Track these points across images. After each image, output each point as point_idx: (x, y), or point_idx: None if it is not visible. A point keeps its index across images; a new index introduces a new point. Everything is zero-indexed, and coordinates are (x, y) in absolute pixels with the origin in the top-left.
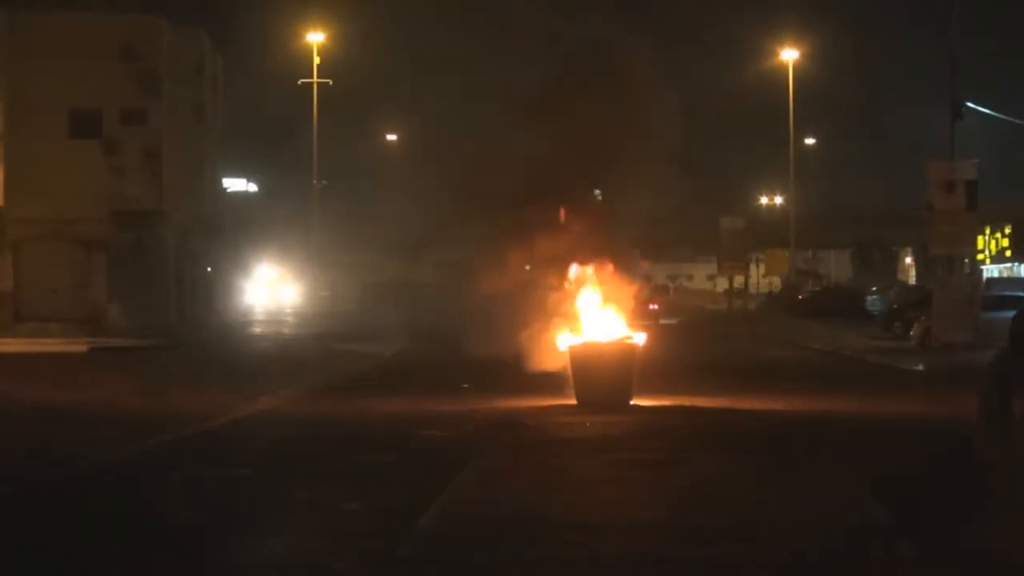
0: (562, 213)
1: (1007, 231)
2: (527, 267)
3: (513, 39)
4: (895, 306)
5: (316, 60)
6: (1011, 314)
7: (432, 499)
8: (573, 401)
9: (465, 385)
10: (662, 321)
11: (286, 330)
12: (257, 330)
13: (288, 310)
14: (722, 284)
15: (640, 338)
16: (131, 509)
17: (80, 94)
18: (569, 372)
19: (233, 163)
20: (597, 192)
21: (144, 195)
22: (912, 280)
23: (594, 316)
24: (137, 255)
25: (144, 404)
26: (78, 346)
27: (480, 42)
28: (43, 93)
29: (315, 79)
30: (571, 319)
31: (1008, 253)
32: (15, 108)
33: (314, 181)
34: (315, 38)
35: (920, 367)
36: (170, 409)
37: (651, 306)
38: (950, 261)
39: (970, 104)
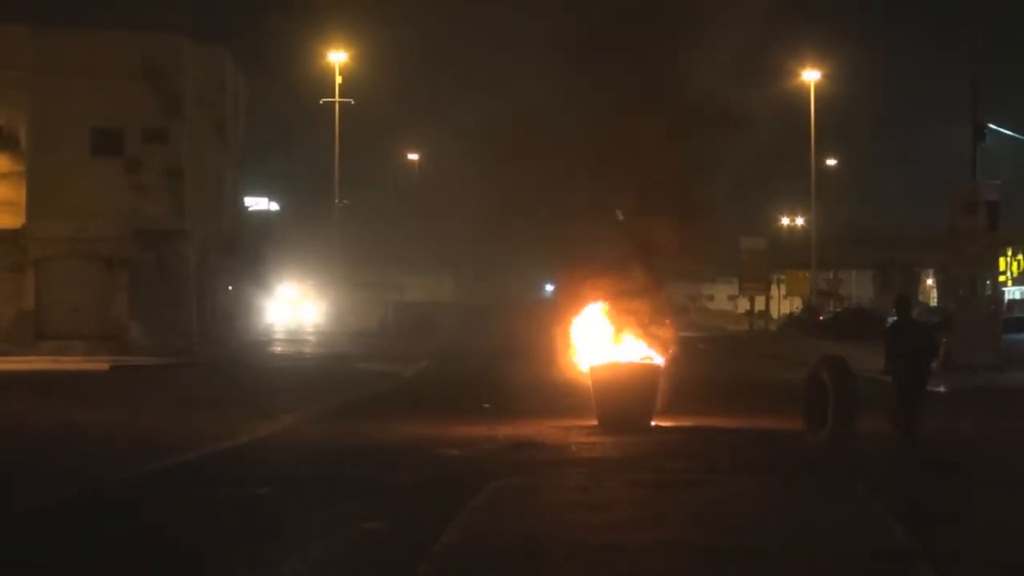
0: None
1: None
2: (550, 286)
3: (537, 59)
4: None
5: (338, 79)
6: None
7: (452, 518)
8: (594, 422)
9: (486, 405)
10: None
11: (307, 349)
12: (278, 349)
13: (309, 329)
14: (743, 305)
15: (661, 359)
16: (149, 528)
17: (102, 112)
18: (590, 393)
19: (255, 182)
20: (619, 212)
21: (166, 213)
22: (933, 301)
23: (617, 337)
24: (158, 273)
25: (165, 422)
26: (99, 364)
27: (500, 63)
28: (66, 111)
29: (337, 98)
30: (594, 339)
31: None
32: (38, 126)
33: (336, 200)
34: (337, 57)
35: (942, 388)
36: (190, 427)
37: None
38: (972, 282)
39: (992, 126)
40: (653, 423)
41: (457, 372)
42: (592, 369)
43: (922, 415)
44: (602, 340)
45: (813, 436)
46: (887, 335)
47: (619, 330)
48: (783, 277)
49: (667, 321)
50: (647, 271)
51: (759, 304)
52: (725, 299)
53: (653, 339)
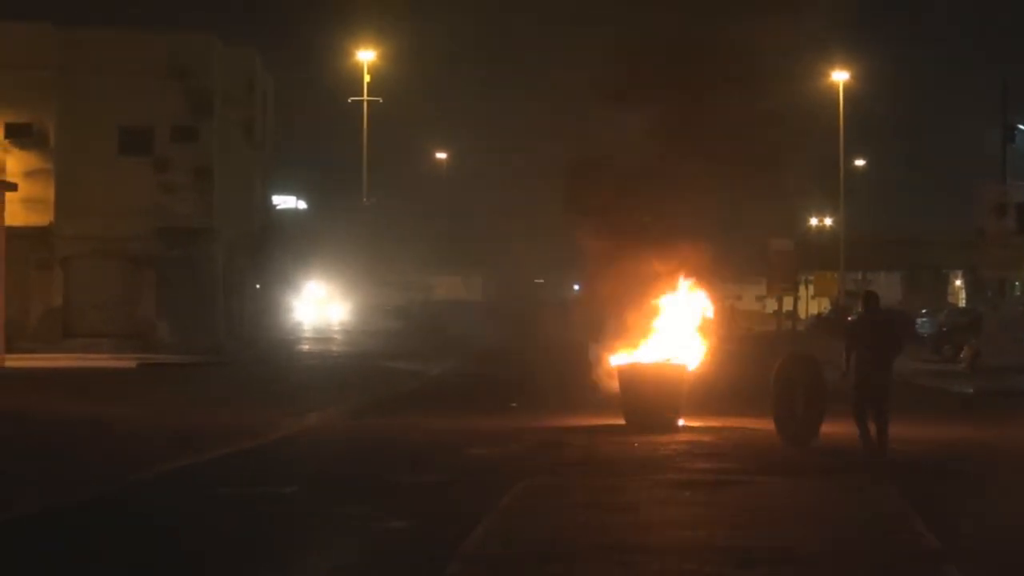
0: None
1: None
2: (575, 286)
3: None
4: (945, 329)
5: (366, 78)
6: None
7: (480, 518)
8: (622, 421)
9: (513, 404)
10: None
11: (334, 347)
12: (305, 347)
13: (336, 327)
14: (771, 305)
15: (691, 359)
16: (175, 525)
17: (131, 111)
18: (618, 392)
19: (283, 180)
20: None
21: (193, 212)
22: (962, 303)
23: (648, 335)
24: (186, 272)
25: (191, 420)
26: (126, 362)
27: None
28: (94, 110)
29: (365, 97)
30: (621, 338)
31: None
32: (66, 124)
33: (364, 199)
34: (366, 56)
35: (970, 390)
36: (217, 425)
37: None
38: (1000, 284)
39: (1022, 127)
40: (681, 423)
41: (484, 371)
42: (619, 369)
43: (888, 416)
44: (629, 339)
45: (784, 434)
46: (846, 330)
47: (647, 329)
48: (811, 278)
49: (710, 320)
50: (677, 271)
51: (787, 305)
52: (753, 299)
53: (682, 339)
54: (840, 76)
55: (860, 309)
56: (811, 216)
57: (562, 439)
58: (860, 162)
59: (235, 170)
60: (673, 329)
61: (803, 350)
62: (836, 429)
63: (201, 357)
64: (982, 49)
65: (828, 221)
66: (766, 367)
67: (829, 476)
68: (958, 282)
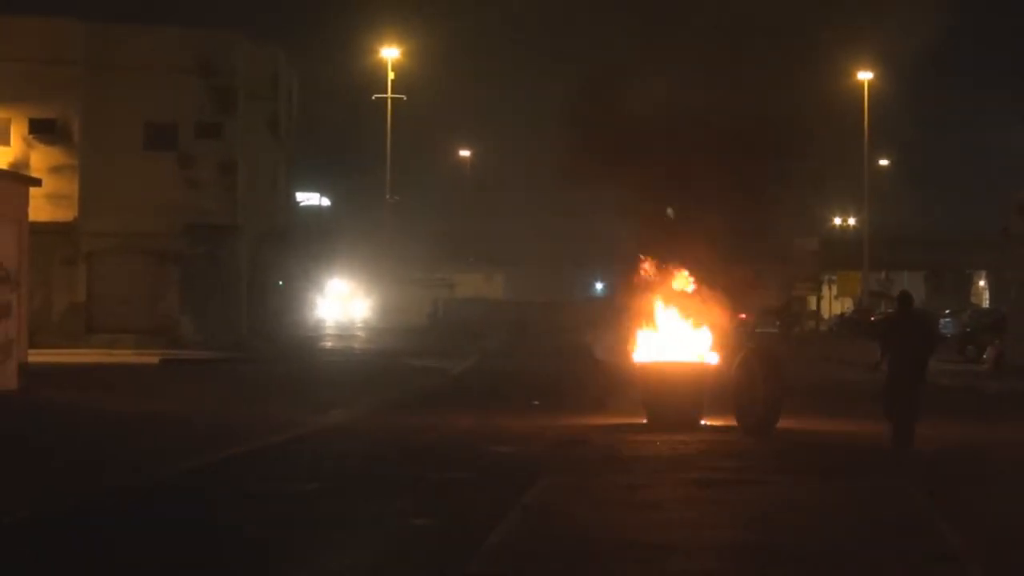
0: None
1: None
2: (600, 285)
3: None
4: (968, 329)
5: (391, 75)
6: None
7: (501, 515)
8: (643, 420)
9: (535, 402)
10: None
11: (357, 344)
12: (328, 344)
13: (359, 324)
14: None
15: (714, 358)
16: (197, 521)
17: (156, 107)
18: (640, 390)
19: (306, 177)
20: (670, 210)
21: (218, 208)
22: (985, 303)
23: (671, 334)
24: (210, 268)
25: (215, 416)
26: (150, 358)
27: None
28: (119, 106)
29: (389, 94)
30: (643, 337)
31: None
32: (91, 120)
33: (387, 196)
34: (390, 54)
35: (994, 390)
36: (240, 422)
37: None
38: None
39: None
40: (703, 422)
41: (506, 369)
42: (641, 367)
43: (918, 415)
44: (651, 338)
45: (744, 424)
46: (882, 330)
47: (669, 328)
48: (835, 277)
49: (739, 318)
50: (701, 270)
51: (810, 304)
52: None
53: (706, 338)
54: (865, 75)
55: (886, 309)
56: (834, 215)
57: (584, 437)
58: (884, 162)
59: (259, 166)
60: (695, 327)
61: (764, 345)
62: (857, 428)
63: (224, 353)
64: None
65: (851, 220)
66: (788, 367)
67: (852, 476)
68: (981, 283)
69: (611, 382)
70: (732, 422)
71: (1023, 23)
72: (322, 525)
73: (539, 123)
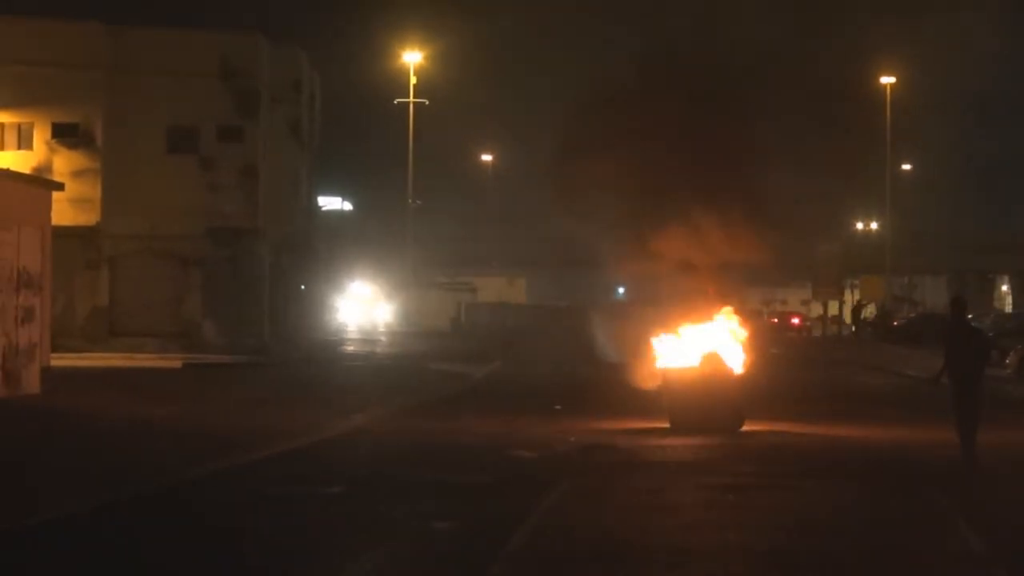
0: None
1: None
2: (622, 289)
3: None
4: (991, 334)
5: (413, 80)
6: None
7: (523, 519)
8: (666, 424)
9: (557, 407)
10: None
11: (378, 349)
12: (350, 348)
13: (382, 329)
14: (816, 309)
15: (737, 363)
16: (221, 525)
17: (178, 111)
18: (663, 395)
19: (329, 181)
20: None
21: (240, 212)
22: (1008, 308)
23: (696, 339)
24: (232, 272)
25: (238, 420)
26: (172, 362)
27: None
28: (142, 109)
29: (411, 99)
30: (666, 341)
31: None
32: (114, 123)
33: (409, 200)
34: (412, 58)
35: (1017, 395)
36: (263, 425)
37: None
38: None
39: None
40: (726, 426)
41: (528, 373)
42: (664, 371)
43: (975, 425)
44: (674, 342)
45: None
46: (943, 339)
47: (691, 333)
48: (857, 282)
49: (757, 322)
50: (720, 275)
51: (832, 309)
52: (799, 303)
53: (729, 342)
54: (887, 79)
55: (909, 313)
56: (857, 219)
57: (606, 441)
58: (907, 166)
59: (281, 170)
60: (717, 331)
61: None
62: (877, 434)
63: (246, 357)
64: None
65: (874, 225)
66: (810, 372)
67: (875, 480)
68: (1004, 287)
69: (628, 386)
70: (753, 426)
71: None
72: (344, 528)
73: (554, 125)
